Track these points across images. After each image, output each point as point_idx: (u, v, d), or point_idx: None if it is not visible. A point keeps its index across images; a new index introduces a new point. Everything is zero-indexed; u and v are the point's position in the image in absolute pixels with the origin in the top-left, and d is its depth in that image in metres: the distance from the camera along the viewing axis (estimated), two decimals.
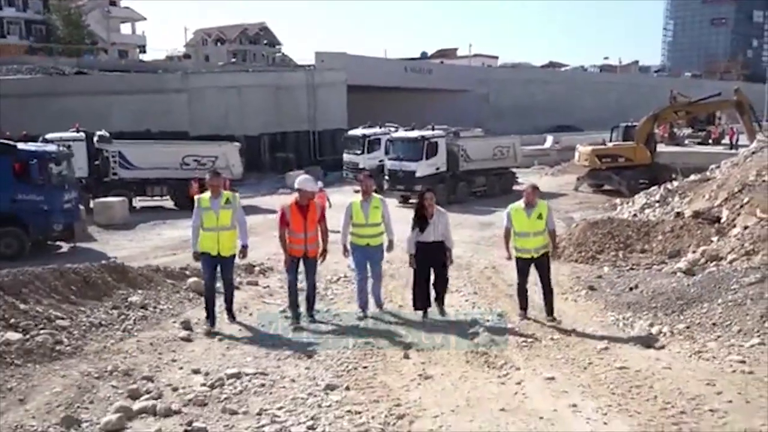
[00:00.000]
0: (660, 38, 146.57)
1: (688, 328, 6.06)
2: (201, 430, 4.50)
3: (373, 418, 4.71)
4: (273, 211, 14.97)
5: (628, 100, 52.56)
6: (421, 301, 7.79)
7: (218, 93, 33.37)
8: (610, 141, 25.78)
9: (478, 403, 4.95)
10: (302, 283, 7.69)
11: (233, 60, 73.52)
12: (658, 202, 16.44)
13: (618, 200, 19.99)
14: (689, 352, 5.57)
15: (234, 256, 7.49)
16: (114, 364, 5.55)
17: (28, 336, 5.81)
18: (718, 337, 5.75)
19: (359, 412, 4.80)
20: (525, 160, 28.59)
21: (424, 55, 77.74)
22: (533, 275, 7.67)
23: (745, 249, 8.74)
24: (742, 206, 13.14)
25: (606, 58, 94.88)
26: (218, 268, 7.44)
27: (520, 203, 7.72)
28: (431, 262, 7.71)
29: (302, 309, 7.66)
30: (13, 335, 5.80)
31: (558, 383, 5.27)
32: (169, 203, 22.30)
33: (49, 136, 20.56)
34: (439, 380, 5.52)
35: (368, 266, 7.93)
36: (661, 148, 31.63)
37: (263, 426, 4.59)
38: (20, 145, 15.37)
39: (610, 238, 12.78)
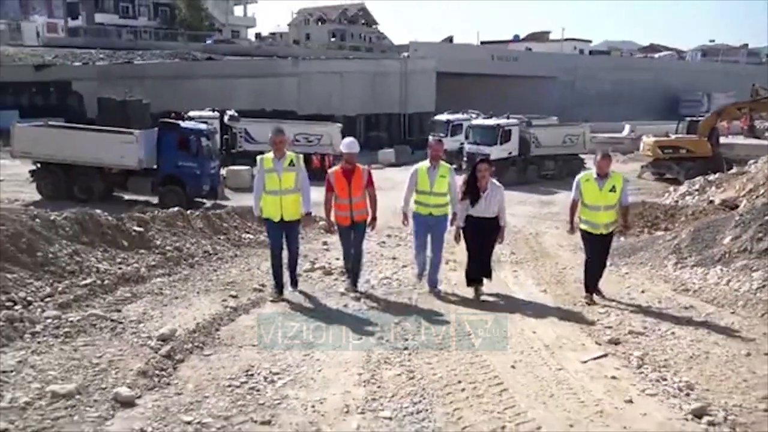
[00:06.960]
0: None
1: (626, 264, 9.19)
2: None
3: None
4: None
5: (720, 90, 52.05)
6: (474, 277, 7.21)
7: (324, 77, 37.26)
8: (676, 133, 27.60)
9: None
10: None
11: (333, 38, 78.26)
12: (697, 190, 18.67)
13: (672, 188, 22.15)
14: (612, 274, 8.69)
15: (299, 221, 7.01)
16: None
17: (235, 239, 10.24)
18: (637, 269, 8.86)
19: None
20: (599, 147, 30.72)
21: (516, 38, 79.01)
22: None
23: None
24: (758, 197, 15.51)
25: (712, 40, 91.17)
26: (284, 235, 6.96)
27: (592, 172, 7.02)
28: (480, 239, 7.07)
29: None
30: (224, 237, 10.22)
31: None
32: None
33: (191, 114, 25.36)
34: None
35: (429, 239, 7.42)
36: (737, 140, 32.92)
37: None
38: (182, 124, 20.09)
39: (640, 218, 15.54)
